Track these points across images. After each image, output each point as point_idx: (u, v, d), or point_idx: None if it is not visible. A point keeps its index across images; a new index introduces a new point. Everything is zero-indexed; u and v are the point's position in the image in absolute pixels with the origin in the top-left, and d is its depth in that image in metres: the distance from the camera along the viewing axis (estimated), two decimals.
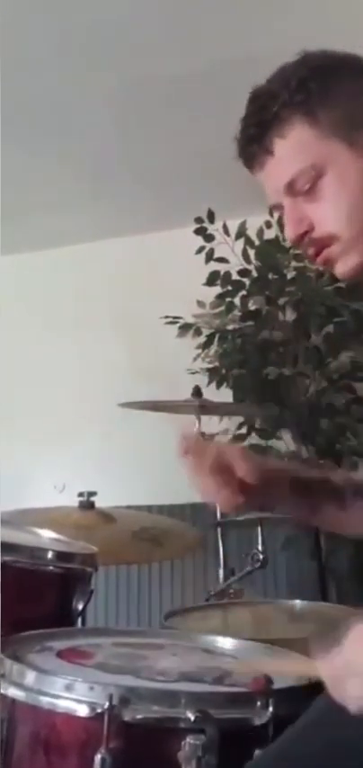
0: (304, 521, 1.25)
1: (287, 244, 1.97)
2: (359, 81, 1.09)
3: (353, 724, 0.83)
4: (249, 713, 0.93)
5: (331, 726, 0.87)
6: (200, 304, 3.72)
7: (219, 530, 2.46)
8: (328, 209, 1.07)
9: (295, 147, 1.08)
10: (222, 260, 3.48)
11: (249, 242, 3.51)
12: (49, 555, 1.41)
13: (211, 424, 3.14)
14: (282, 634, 1.68)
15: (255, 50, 2.74)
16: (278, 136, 1.08)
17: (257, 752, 0.91)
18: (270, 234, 3.36)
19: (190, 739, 0.89)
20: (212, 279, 3.50)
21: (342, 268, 1.10)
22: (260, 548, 2.26)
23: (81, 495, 2.26)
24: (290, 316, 3.45)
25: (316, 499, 1.20)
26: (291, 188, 1.09)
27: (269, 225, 3.28)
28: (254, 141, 1.10)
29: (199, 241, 3.48)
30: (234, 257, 3.52)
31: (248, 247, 3.52)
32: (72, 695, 0.95)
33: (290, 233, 1.10)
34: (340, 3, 2.59)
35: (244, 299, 3.52)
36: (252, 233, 3.50)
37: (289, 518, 3.19)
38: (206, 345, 3.54)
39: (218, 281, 3.51)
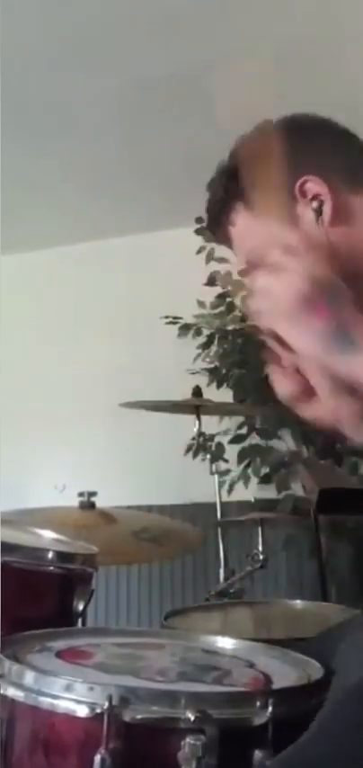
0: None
1: None
2: (288, 151, 1.12)
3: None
4: (248, 713, 0.93)
5: (344, 728, 0.87)
6: (201, 304, 3.72)
7: (219, 530, 2.46)
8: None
9: (240, 231, 1.19)
10: (222, 260, 3.48)
11: None
12: (50, 555, 1.41)
13: (211, 424, 3.15)
14: (282, 634, 1.68)
15: (255, 50, 2.75)
16: (230, 224, 1.20)
17: (257, 752, 0.91)
18: None
19: (189, 739, 0.89)
20: (212, 279, 3.50)
21: None
22: (260, 548, 2.26)
23: (81, 495, 2.26)
24: None
25: None
26: (248, 269, 1.20)
27: None
28: (215, 226, 1.24)
29: (200, 241, 3.48)
30: (234, 257, 3.51)
31: None
32: (71, 695, 0.94)
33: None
34: (340, 3, 2.59)
35: (245, 300, 3.52)
36: None
37: (289, 518, 3.21)
38: (206, 345, 3.54)
39: (219, 282, 3.51)
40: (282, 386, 0.88)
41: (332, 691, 0.96)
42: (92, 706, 0.92)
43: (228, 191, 1.17)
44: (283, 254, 1.00)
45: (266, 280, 0.83)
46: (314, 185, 1.10)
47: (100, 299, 4.17)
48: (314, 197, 1.09)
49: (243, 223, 1.17)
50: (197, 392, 2.50)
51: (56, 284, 4.27)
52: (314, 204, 1.09)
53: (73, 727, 0.95)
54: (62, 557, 1.44)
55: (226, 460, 3.03)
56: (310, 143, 1.14)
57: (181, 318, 3.63)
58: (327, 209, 1.09)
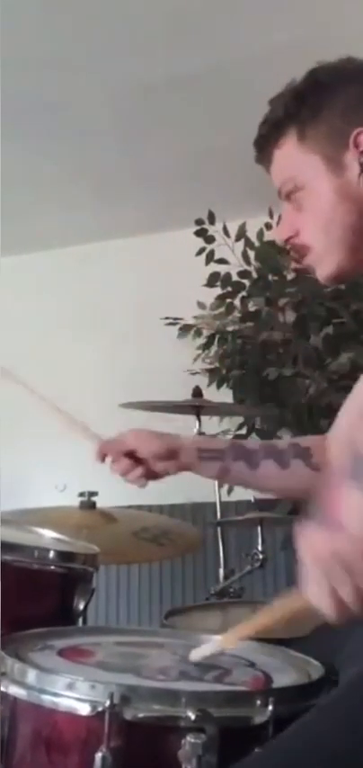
0: (219, 479, 1.38)
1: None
2: (351, 95, 1.13)
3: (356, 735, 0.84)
4: (249, 712, 0.94)
5: (342, 710, 0.88)
6: (201, 305, 3.73)
7: (219, 529, 2.47)
8: (306, 221, 1.16)
9: (284, 157, 1.17)
10: (222, 261, 3.49)
11: (249, 243, 3.52)
12: (51, 554, 1.41)
13: (211, 424, 3.15)
14: (282, 633, 1.68)
15: (255, 51, 2.75)
16: (275, 145, 1.17)
17: (257, 750, 0.91)
18: (269, 235, 3.37)
19: (190, 738, 0.89)
20: (212, 280, 3.50)
21: (320, 275, 1.19)
22: (259, 547, 2.27)
23: (82, 495, 2.27)
24: (290, 317, 3.46)
25: (226, 461, 1.33)
26: (280, 194, 1.19)
27: (269, 226, 3.28)
28: (260, 147, 1.20)
29: (200, 242, 3.49)
30: (234, 258, 3.52)
31: (248, 249, 3.53)
32: (73, 694, 0.95)
33: (278, 234, 1.22)
34: (339, 3, 2.60)
35: (244, 301, 3.53)
36: (252, 234, 3.50)
37: (289, 518, 3.21)
38: (206, 346, 3.55)
39: (218, 283, 3.51)
40: None
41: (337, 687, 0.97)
42: (93, 704, 0.93)
43: (288, 111, 1.15)
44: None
45: None
46: None
47: (100, 300, 4.17)
48: None
49: (289, 149, 1.16)
50: (197, 393, 2.51)
51: (56, 285, 4.27)
52: None
53: (74, 725, 0.95)
54: (63, 556, 1.44)
55: None
56: None
57: (181, 319, 3.63)
58: None
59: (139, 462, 1.38)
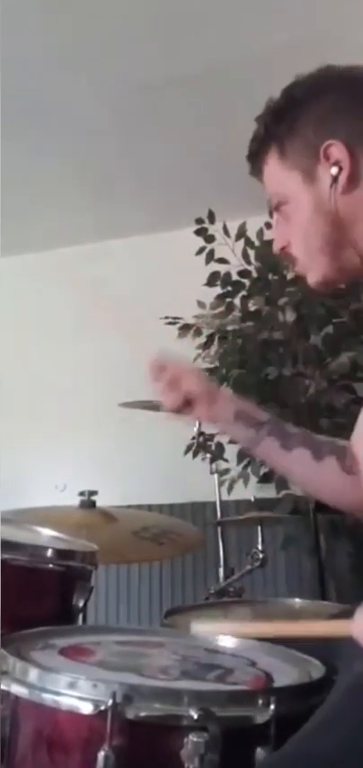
0: (245, 448, 1.35)
1: None
2: (325, 107, 1.16)
3: None
4: (251, 711, 0.94)
5: (344, 726, 0.88)
6: (201, 304, 3.73)
7: (219, 529, 2.46)
8: (292, 233, 1.20)
9: (269, 173, 1.21)
10: (222, 261, 3.49)
11: (249, 243, 3.52)
12: (50, 553, 1.41)
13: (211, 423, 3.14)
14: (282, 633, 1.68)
15: (255, 51, 2.76)
16: (263, 161, 1.21)
17: (259, 749, 0.92)
18: (269, 235, 3.37)
19: (192, 737, 0.89)
20: (212, 279, 3.51)
21: (309, 282, 1.22)
22: (259, 547, 2.27)
23: (82, 494, 2.27)
24: (290, 316, 3.46)
25: (260, 433, 1.32)
26: (270, 207, 1.23)
27: (269, 226, 3.28)
28: (251, 162, 1.24)
29: (200, 242, 3.49)
30: (234, 258, 3.52)
31: (248, 248, 3.53)
32: (75, 693, 0.95)
33: (273, 246, 1.25)
34: (339, 3, 2.60)
35: (244, 300, 3.53)
36: (252, 234, 3.50)
37: (289, 518, 3.21)
38: (206, 346, 3.55)
39: (218, 282, 3.51)
40: None
41: (335, 688, 0.97)
42: (95, 703, 0.93)
43: (267, 130, 1.19)
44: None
45: None
46: (337, 151, 1.13)
47: (100, 300, 4.17)
48: (335, 163, 1.13)
49: (273, 166, 1.20)
50: None
51: (56, 285, 4.27)
52: (334, 170, 1.13)
53: (76, 724, 0.95)
54: (61, 554, 1.44)
55: (226, 460, 3.04)
56: (350, 104, 1.16)
57: (181, 319, 3.63)
58: (343, 177, 1.13)
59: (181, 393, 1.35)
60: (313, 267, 1.19)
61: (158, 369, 1.39)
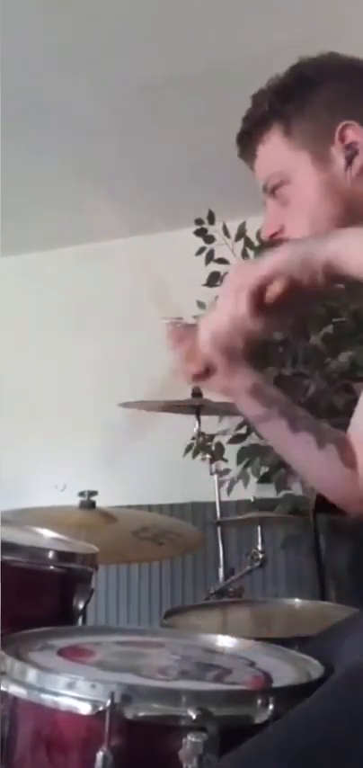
0: (252, 422, 1.33)
1: None
2: (336, 90, 1.13)
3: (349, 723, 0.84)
4: (249, 711, 0.94)
5: (336, 703, 0.88)
6: (201, 305, 3.73)
7: (219, 529, 2.47)
8: (292, 216, 1.16)
9: (269, 152, 1.17)
10: (222, 261, 3.49)
11: (249, 243, 3.52)
12: (50, 554, 1.41)
13: (211, 423, 3.15)
14: (282, 633, 1.69)
15: (255, 51, 2.76)
16: (259, 141, 1.17)
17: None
18: None
19: (191, 737, 0.89)
20: (212, 280, 3.51)
21: None
22: (259, 547, 2.27)
23: (82, 494, 2.27)
24: None
25: (271, 410, 1.31)
26: (265, 190, 1.19)
27: None
28: (243, 143, 1.20)
29: (200, 242, 3.49)
30: (234, 258, 3.52)
31: (248, 248, 3.53)
32: (74, 693, 0.95)
33: (263, 231, 1.22)
34: (339, 3, 2.60)
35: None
36: (251, 234, 3.51)
37: (289, 518, 3.22)
38: None
39: (218, 282, 3.51)
40: None
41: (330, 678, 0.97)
42: (94, 703, 0.92)
43: (272, 107, 1.16)
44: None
45: None
46: (353, 133, 1.12)
47: (100, 300, 4.18)
48: (350, 145, 1.11)
49: (275, 145, 1.16)
50: (197, 392, 2.51)
51: (56, 285, 4.27)
52: (348, 152, 1.11)
53: (75, 724, 0.95)
54: (62, 556, 1.44)
55: (226, 460, 3.04)
56: (361, 90, 1.15)
57: (180, 319, 3.63)
58: (358, 160, 1.11)
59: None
60: None
61: (179, 335, 1.39)
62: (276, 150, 1.16)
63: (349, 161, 1.11)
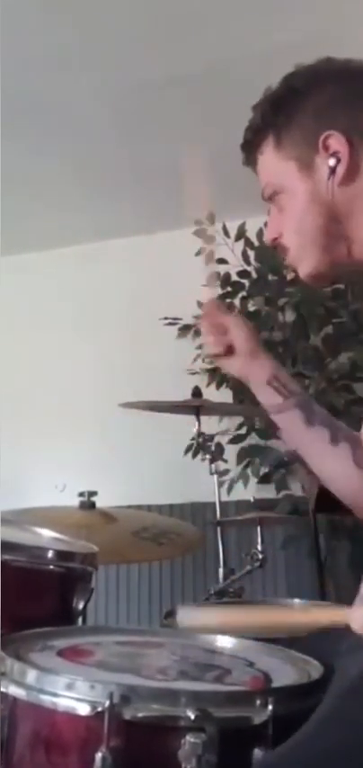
0: (267, 412, 1.34)
1: None
2: (324, 99, 1.16)
3: None
4: (248, 712, 0.94)
5: (344, 723, 0.88)
6: (201, 305, 3.72)
7: (219, 529, 2.46)
8: (285, 223, 1.19)
9: (265, 162, 1.20)
10: (222, 261, 3.49)
11: (248, 243, 3.52)
12: (50, 554, 1.41)
13: (211, 423, 3.15)
14: (282, 633, 1.68)
15: (255, 51, 2.76)
16: (258, 150, 1.20)
17: (257, 750, 0.91)
18: None
19: (190, 738, 0.89)
20: (212, 280, 3.50)
21: (300, 274, 1.22)
22: (259, 547, 2.27)
23: (81, 494, 2.27)
24: (290, 316, 3.46)
25: (287, 402, 1.32)
26: (263, 197, 1.22)
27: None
28: (245, 151, 1.23)
29: (200, 242, 3.48)
30: (233, 258, 3.52)
31: (248, 249, 3.53)
32: (73, 694, 0.95)
33: (266, 236, 1.25)
34: (339, 3, 2.60)
35: (244, 301, 3.53)
36: (251, 234, 3.51)
37: (288, 517, 3.21)
38: None
39: (218, 283, 3.51)
40: None
41: (331, 688, 0.97)
42: (93, 704, 0.93)
43: (265, 119, 1.18)
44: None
45: None
46: (336, 142, 1.13)
47: (100, 300, 4.18)
48: (334, 154, 1.12)
49: (268, 155, 1.19)
50: (197, 392, 2.51)
51: (56, 285, 4.27)
52: (332, 162, 1.12)
53: (74, 725, 0.95)
54: (62, 555, 1.44)
55: (226, 460, 3.03)
56: (349, 96, 1.15)
57: (180, 319, 3.63)
58: (341, 169, 1.12)
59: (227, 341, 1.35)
60: (304, 259, 1.18)
61: (211, 313, 1.40)
62: (269, 161, 1.19)
63: (332, 170, 1.12)
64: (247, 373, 1.36)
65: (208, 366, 3.53)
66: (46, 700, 0.97)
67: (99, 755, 0.90)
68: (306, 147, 1.14)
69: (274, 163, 1.18)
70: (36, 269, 4.30)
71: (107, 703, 0.91)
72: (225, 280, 3.50)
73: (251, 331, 1.35)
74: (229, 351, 1.34)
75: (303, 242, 1.17)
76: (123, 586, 3.85)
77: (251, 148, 1.22)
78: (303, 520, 3.01)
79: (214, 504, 2.59)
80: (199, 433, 2.42)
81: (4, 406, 4.04)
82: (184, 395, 2.53)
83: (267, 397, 1.35)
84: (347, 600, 1.18)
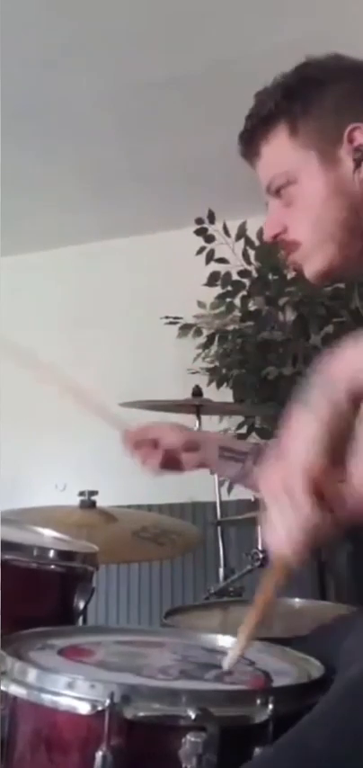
0: (237, 482, 1.34)
1: None
2: (344, 91, 1.13)
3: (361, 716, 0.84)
4: (249, 711, 0.94)
5: (340, 718, 0.88)
6: (201, 304, 3.73)
7: (219, 529, 2.47)
8: (296, 217, 1.15)
9: (274, 152, 1.15)
10: (222, 260, 3.49)
11: (249, 243, 3.52)
12: (50, 554, 1.41)
13: (211, 423, 3.15)
14: (282, 632, 1.69)
15: (255, 51, 2.76)
16: (264, 140, 1.16)
17: (257, 749, 0.92)
18: None
19: (190, 737, 0.89)
20: (212, 279, 3.51)
21: (308, 271, 1.17)
22: (259, 547, 2.27)
23: (82, 494, 2.27)
24: (290, 316, 3.46)
25: (246, 465, 1.32)
26: (269, 190, 1.17)
27: None
28: (247, 142, 1.19)
29: (200, 242, 3.49)
30: (234, 258, 3.52)
31: (248, 248, 3.53)
32: (73, 693, 0.95)
33: (265, 232, 1.20)
34: (341, 3, 2.60)
35: (244, 300, 3.53)
36: (252, 234, 3.51)
37: None
38: (206, 345, 3.55)
39: (219, 282, 3.51)
40: None
41: (331, 687, 0.97)
42: (93, 703, 0.92)
43: (278, 106, 1.14)
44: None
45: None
46: (362, 135, 1.10)
47: (100, 300, 4.18)
48: (359, 147, 1.10)
49: (280, 144, 1.15)
50: (197, 392, 2.51)
51: (56, 285, 4.27)
52: (357, 154, 1.10)
53: (74, 724, 0.95)
54: (62, 555, 1.44)
55: None
56: None
57: (181, 318, 3.63)
58: None
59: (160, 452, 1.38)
60: (318, 254, 1.15)
61: (134, 438, 1.43)
62: (282, 150, 1.15)
63: (358, 163, 1.10)
64: (199, 464, 1.37)
65: (209, 365, 3.53)
66: (46, 699, 0.97)
67: (99, 754, 0.90)
68: (328, 139, 1.11)
69: (288, 152, 1.14)
70: (36, 269, 4.30)
71: (107, 702, 0.91)
72: (226, 279, 3.50)
73: (173, 424, 1.38)
74: (171, 459, 1.36)
75: (319, 236, 1.14)
76: (123, 586, 3.85)
77: (255, 137, 1.17)
78: None
79: (214, 503, 2.60)
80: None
81: (4, 406, 4.05)
82: (185, 394, 2.54)
83: (225, 471, 1.36)
84: (347, 599, 1.18)
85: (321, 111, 1.13)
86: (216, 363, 3.51)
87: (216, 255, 3.49)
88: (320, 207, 1.13)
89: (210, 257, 3.50)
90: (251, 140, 1.18)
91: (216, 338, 3.53)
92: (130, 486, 3.75)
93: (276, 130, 1.15)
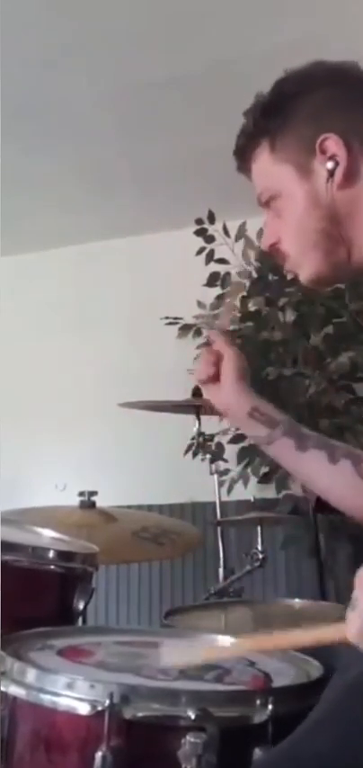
0: (259, 444, 1.33)
1: None
2: (320, 100, 1.15)
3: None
4: (249, 711, 0.94)
5: (341, 722, 0.88)
6: (201, 305, 3.73)
7: (219, 529, 2.46)
8: (284, 229, 1.18)
9: (259, 168, 1.19)
10: (222, 261, 3.49)
11: (249, 243, 3.52)
12: (50, 554, 1.41)
13: (211, 423, 3.15)
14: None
15: (255, 51, 2.76)
16: (251, 157, 1.19)
17: (257, 750, 0.92)
18: None
19: (190, 737, 0.89)
20: (212, 280, 3.50)
21: (301, 279, 1.21)
22: (259, 547, 2.27)
23: (82, 494, 2.27)
24: (290, 316, 3.46)
25: (274, 432, 1.30)
26: (259, 203, 1.21)
27: None
28: (238, 159, 1.22)
29: (200, 242, 3.49)
30: (234, 258, 3.52)
31: (248, 248, 3.53)
32: (73, 693, 0.95)
33: (263, 242, 1.23)
34: (339, 3, 2.60)
35: (244, 300, 3.53)
36: (252, 234, 3.51)
37: (288, 517, 3.21)
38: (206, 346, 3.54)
39: (218, 282, 3.51)
40: None
41: (331, 686, 0.97)
42: (93, 704, 0.93)
43: (257, 125, 1.17)
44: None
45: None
46: (333, 144, 1.11)
47: (100, 300, 4.18)
48: (332, 157, 1.11)
49: (263, 161, 1.18)
50: (197, 392, 2.50)
51: (56, 285, 4.27)
52: (330, 164, 1.11)
53: (74, 724, 0.95)
54: (62, 556, 1.44)
55: (226, 460, 3.04)
56: (344, 99, 1.15)
57: (181, 319, 3.63)
58: (339, 171, 1.11)
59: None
60: (305, 263, 1.17)
61: (215, 342, 1.40)
62: (265, 166, 1.18)
63: (331, 173, 1.11)
64: (227, 405, 1.36)
65: None
66: (46, 699, 0.97)
67: (99, 755, 0.90)
68: (304, 151, 1.13)
69: (270, 167, 1.17)
70: (36, 269, 4.30)
71: (107, 703, 0.91)
72: (226, 280, 3.50)
73: (242, 366, 1.35)
74: (215, 379, 1.35)
75: (303, 246, 1.16)
76: (123, 586, 3.85)
77: (244, 155, 1.21)
78: (303, 520, 3.01)
79: (214, 503, 2.59)
80: (200, 433, 2.41)
81: (4, 406, 4.05)
82: (184, 394, 2.53)
83: (251, 429, 1.35)
84: (347, 600, 1.18)
85: (296, 124, 1.15)
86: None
87: (216, 256, 3.49)
88: (301, 218, 1.15)
89: (210, 258, 3.49)
90: (241, 158, 1.22)
91: None
92: (130, 486, 3.76)
93: (260, 148, 1.18)
